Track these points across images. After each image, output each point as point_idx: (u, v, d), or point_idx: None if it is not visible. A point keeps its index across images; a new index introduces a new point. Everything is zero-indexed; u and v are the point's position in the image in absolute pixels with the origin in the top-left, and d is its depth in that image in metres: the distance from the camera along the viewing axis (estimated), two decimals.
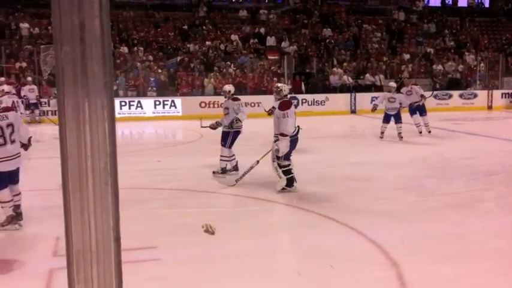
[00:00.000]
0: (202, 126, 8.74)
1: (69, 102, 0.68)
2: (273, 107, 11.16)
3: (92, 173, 0.70)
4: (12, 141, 5.74)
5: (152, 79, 19.42)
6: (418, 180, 8.44)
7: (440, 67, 23.58)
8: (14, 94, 16.03)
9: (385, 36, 25.87)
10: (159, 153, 10.80)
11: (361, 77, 22.18)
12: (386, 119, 12.36)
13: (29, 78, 16.81)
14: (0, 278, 4.55)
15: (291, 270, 4.68)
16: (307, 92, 20.78)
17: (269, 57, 22.75)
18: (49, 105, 16.97)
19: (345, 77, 21.52)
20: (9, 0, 22.40)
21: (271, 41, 23.75)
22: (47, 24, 21.56)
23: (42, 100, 17.00)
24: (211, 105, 18.67)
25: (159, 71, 19.99)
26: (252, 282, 4.34)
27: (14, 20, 21.31)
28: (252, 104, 18.92)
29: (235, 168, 8.56)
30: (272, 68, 21.69)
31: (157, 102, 18.50)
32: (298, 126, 7.24)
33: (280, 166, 7.14)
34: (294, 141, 7.14)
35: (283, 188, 7.21)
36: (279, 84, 7.82)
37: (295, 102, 19.62)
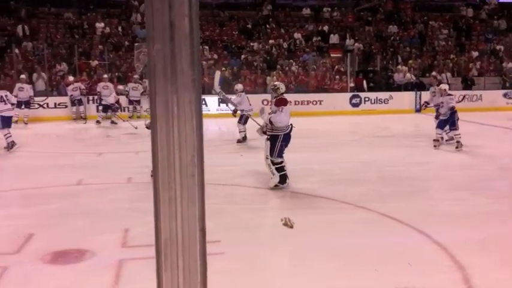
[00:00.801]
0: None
1: (160, 98, 0.72)
2: (236, 110, 12.01)
3: (179, 165, 0.73)
4: None
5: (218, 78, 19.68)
6: (487, 181, 8.09)
7: (510, 65, 22.46)
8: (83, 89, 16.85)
9: (453, 33, 24.96)
10: (222, 150, 10.96)
11: (427, 74, 21.51)
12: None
13: (105, 76, 17.46)
14: (73, 267, 4.79)
15: (351, 268, 4.62)
16: (370, 90, 20.42)
17: (332, 55, 22.53)
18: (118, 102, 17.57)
19: (410, 74, 20.95)
20: (82, 1, 23.46)
21: (334, 38, 23.52)
22: (117, 24, 22.41)
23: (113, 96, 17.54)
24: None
25: (223, 69, 20.25)
26: (315, 279, 4.33)
27: (87, 20, 22.29)
28: (314, 102, 18.84)
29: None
30: (335, 66, 21.47)
31: (221, 100, 18.72)
32: (291, 125, 7.38)
33: (273, 163, 7.22)
34: (286, 138, 7.27)
35: (275, 185, 7.27)
36: (276, 83, 8.01)
37: (357, 100, 19.37)
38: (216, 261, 4.72)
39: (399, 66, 21.33)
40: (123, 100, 17.35)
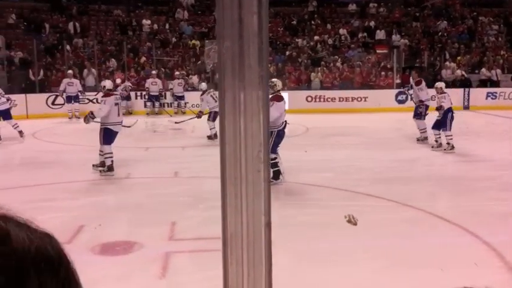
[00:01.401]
0: None
1: (228, 94, 0.73)
2: (200, 111, 12.11)
3: (245, 161, 0.75)
4: None
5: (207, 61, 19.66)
6: None
7: None
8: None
9: (503, 28, 24.06)
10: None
11: (476, 71, 20.86)
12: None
13: (154, 72, 17.84)
14: (121, 258, 4.92)
15: (399, 269, 4.55)
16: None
17: (378, 51, 22.17)
18: (165, 98, 17.92)
19: (458, 71, 20.36)
20: None
21: (380, 34, 23.13)
22: (164, 21, 22.81)
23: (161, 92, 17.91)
24: (318, 100, 18.60)
25: (207, 41, 20.19)
26: (363, 278, 4.29)
27: (135, 17, 22.79)
28: (359, 99, 18.60)
29: None
30: (381, 62, 21.12)
31: None
32: (285, 121, 7.52)
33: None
34: (280, 134, 7.42)
35: (269, 181, 7.17)
36: (273, 80, 8.02)
37: (402, 97, 18.99)
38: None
39: (447, 63, 20.78)
40: (168, 96, 17.70)
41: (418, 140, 11.27)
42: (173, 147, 10.97)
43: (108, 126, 8.23)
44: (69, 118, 16.00)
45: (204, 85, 12.54)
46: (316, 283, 4.23)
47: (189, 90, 18.14)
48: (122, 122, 8.57)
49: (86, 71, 18.38)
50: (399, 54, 20.92)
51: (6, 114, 11.92)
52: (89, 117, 8.32)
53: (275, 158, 7.35)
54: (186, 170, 8.42)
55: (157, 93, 17.41)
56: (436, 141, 10.33)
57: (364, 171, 8.38)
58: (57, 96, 16.65)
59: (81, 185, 7.67)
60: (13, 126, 11.80)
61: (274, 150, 7.34)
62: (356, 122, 14.70)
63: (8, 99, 12.15)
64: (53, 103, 16.27)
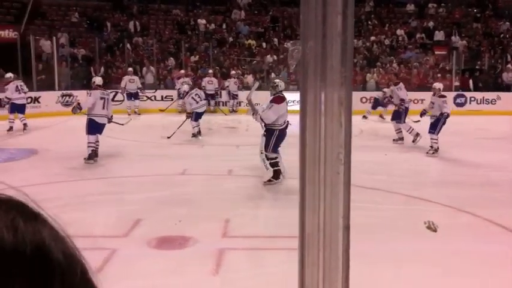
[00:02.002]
0: None
1: (310, 95, 0.73)
2: (188, 113, 12.03)
3: (324, 162, 0.74)
4: None
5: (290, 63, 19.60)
6: None
7: None
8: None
9: None
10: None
11: None
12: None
13: (210, 71, 18.12)
14: (176, 253, 5.02)
15: (453, 276, 4.41)
16: (476, 89, 19.27)
17: (436, 53, 21.53)
18: (221, 97, 18.13)
19: None
20: None
21: (439, 35, 22.44)
22: (221, 21, 23.09)
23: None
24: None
25: (291, 41, 20.06)
26: (411, 282, 4.19)
27: (193, 16, 23.20)
28: (415, 101, 18.13)
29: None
30: (439, 63, 20.50)
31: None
32: (287, 121, 7.48)
33: (268, 158, 7.28)
34: (281, 133, 7.38)
35: (269, 180, 7.31)
36: (276, 80, 8.09)
37: (461, 100, 18.35)
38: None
39: (509, 65, 19.91)
40: (224, 94, 17.90)
41: (394, 140, 11.39)
42: (228, 145, 11.09)
43: (93, 118, 9.06)
44: (128, 115, 16.45)
45: (186, 87, 12.72)
46: (368, 285, 4.17)
47: (243, 89, 18.29)
48: (108, 115, 9.31)
49: (145, 69, 18.87)
50: (458, 56, 20.25)
51: (22, 108, 12.96)
52: (76, 107, 9.16)
53: (276, 158, 7.38)
54: (240, 168, 8.49)
55: (213, 92, 17.63)
56: (432, 146, 10.03)
57: (421, 175, 8.18)
58: (117, 93, 17.18)
59: (139, 180, 7.88)
60: (20, 119, 12.74)
61: (275, 149, 7.40)
62: (413, 124, 14.32)
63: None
64: (112, 99, 16.78)
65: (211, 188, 7.35)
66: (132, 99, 16.66)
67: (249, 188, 7.33)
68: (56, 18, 21.46)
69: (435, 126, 9.89)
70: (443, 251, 4.91)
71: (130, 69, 17.16)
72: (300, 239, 0.75)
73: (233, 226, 5.69)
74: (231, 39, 21.80)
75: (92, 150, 8.92)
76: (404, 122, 11.34)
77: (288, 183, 7.43)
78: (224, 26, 22.84)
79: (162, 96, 17.80)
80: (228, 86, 17.73)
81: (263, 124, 7.45)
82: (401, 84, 12.35)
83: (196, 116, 12.08)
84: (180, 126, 12.03)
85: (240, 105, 17.86)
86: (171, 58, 19.83)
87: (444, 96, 10.14)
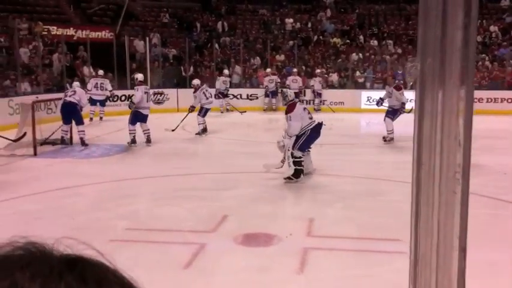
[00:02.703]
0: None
1: (427, 113, 0.71)
2: (192, 106, 12.17)
3: (439, 181, 0.72)
4: None
5: (400, 72, 19.03)
6: None
7: None
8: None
9: None
10: (398, 146, 10.53)
11: None
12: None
13: (294, 70, 18.17)
14: (261, 250, 5.08)
15: None
16: None
17: None
18: (305, 95, 18.10)
19: None
20: None
21: None
22: (307, 19, 23.04)
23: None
24: None
25: (409, 57, 19.44)
26: None
27: (279, 16, 23.34)
28: (509, 100, 17.05)
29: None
30: None
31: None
32: (316, 121, 7.70)
33: (293, 156, 7.40)
34: (312, 133, 7.55)
35: (289, 177, 7.40)
36: (285, 90, 8.58)
37: None
38: (396, 260, 4.58)
39: None
40: (310, 93, 17.84)
41: (385, 140, 11.19)
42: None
43: (139, 110, 10.66)
44: (221, 112, 16.92)
45: (196, 81, 12.70)
46: None
47: (327, 87, 18.13)
48: (149, 107, 10.98)
49: (231, 68, 19.27)
50: None
51: (102, 102, 14.75)
52: (131, 104, 10.86)
53: (300, 157, 7.50)
54: (324, 167, 8.42)
55: (297, 91, 17.62)
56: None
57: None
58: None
59: (227, 176, 8.05)
60: (99, 112, 14.66)
61: (302, 148, 7.52)
62: (504, 124, 13.53)
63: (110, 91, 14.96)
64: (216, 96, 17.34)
65: (295, 186, 7.36)
66: (222, 97, 17.05)
67: (332, 188, 7.27)
68: (148, 20, 22.47)
69: (392, 116, 10.58)
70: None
71: (225, 71, 17.61)
72: (413, 260, 0.74)
73: (317, 225, 5.67)
74: (316, 37, 21.68)
75: (134, 136, 10.61)
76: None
77: (376, 185, 7.28)
78: (310, 24, 22.76)
79: (247, 95, 18.07)
80: (313, 85, 17.64)
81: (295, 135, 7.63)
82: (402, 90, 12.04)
83: (205, 112, 12.19)
84: (183, 119, 12.24)
85: (323, 103, 17.72)
86: (257, 57, 20.07)
87: (400, 88, 10.66)
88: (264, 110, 17.60)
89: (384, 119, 11.29)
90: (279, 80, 17.95)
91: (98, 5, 21.40)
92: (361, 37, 21.71)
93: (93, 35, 18.32)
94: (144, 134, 10.77)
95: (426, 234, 0.73)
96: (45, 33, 17.42)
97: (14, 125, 10.43)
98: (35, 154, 9.45)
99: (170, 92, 17.03)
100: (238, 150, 10.21)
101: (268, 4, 24.17)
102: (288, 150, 7.52)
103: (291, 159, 7.48)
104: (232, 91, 17.52)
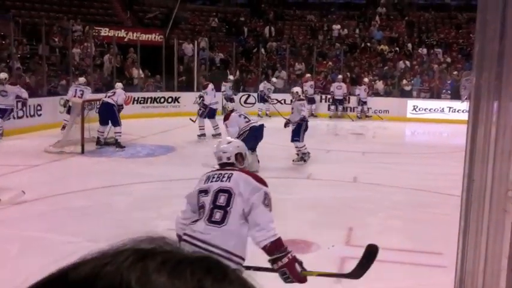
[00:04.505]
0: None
1: (481, 128, 0.70)
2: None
3: (490, 197, 0.71)
4: None
5: (449, 82, 18.55)
6: None
7: None
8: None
9: None
10: (445, 157, 10.24)
11: None
12: None
13: (339, 76, 18.01)
14: (300, 257, 5.03)
15: None
16: None
17: None
18: (349, 102, 17.93)
19: None
20: (325, 4, 24.56)
21: None
22: (355, 26, 22.85)
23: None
24: None
25: (455, 72, 18.93)
26: None
27: (327, 22, 23.24)
28: None
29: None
30: None
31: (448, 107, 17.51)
32: (262, 124, 9.09)
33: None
34: (252, 134, 8.52)
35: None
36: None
37: None
38: (437, 275, 4.47)
39: None
40: (354, 100, 17.65)
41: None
42: (353, 151, 10.93)
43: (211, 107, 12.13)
44: (260, 117, 16.96)
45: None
46: None
47: (372, 95, 17.90)
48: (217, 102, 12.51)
49: (276, 72, 19.30)
50: None
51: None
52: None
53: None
54: (366, 176, 8.31)
55: (341, 97, 17.48)
56: (298, 154, 9.47)
57: None
58: (249, 95, 17.82)
59: (268, 181, 8.04)
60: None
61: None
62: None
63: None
64: (245, 102, 17.44)
65: (335, 194, 7.30)
66: (263, 102, 17.12)
67: (374, 197, 7.15)
68: (198, 23, 22.82)
69: (298, 133, 9.40)
70: None
71: (230, 76, 17.49)
72: (459, 276, 0.72)
73: (357, 235, 5.60)
74: (362, 44, 21.46)
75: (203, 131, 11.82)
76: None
77: (421, 196, 7.13)
78: (357, 31, 22.54)
79: (291, 100, 18.02)
80: (359, 94, 17.39)
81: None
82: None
83: (212, 113, 12.20)
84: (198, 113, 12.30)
85: (368, 111, 17.50)
86: (302, 63, 20.03)
87: (302, 100, 9.93)
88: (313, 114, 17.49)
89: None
90: (312, 84, 17.79)
91: (151, 9, 21.95)
92: (410, 45, 21.32)
93: (144, 37, 18.73)
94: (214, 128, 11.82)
95: (474, 252, 0.72)
96: (96, 34, 17.97)
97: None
98: (83, 152, 9.74)
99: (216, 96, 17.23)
100: (279, 155, 10.21)
101: (317, 10, 24.10)
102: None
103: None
104: (276, 96, 17.53)
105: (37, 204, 6.37)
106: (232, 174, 3.17)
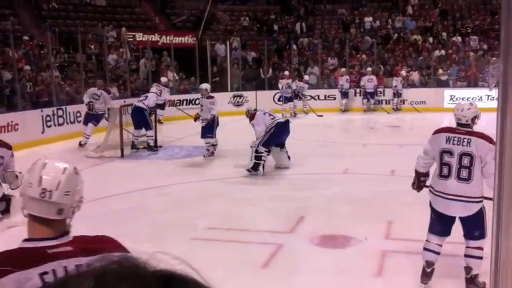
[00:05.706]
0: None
1: (510, 121, 0.70)
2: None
3: None
4: None
5: (487, 70, 18.01)
6: None
7: None
8: None
9: None
10: None
11: None
12: None
13: (369, 69, 17.79)
14: (339, 252, 5.06)
15: None
16: None
17: None
18: (384, 95, 17.68)
19: None
20: None
21: None
22: (387, 17, 22.51)
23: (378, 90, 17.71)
24: None
25: (494, 59, 18.36)
26: None
27: (358, 15, 22.97)
28: None
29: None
30: None
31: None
32: (287, 119, 9.04)
33: (256, 151, 8.13)
34: (277, 130, 8.33)
35: (248, 170, 8.14)
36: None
37: None
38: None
39: None
40: (388, 93, 17.40)
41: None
42: (390, 144, 10.79)
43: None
44: (292, 115, 16.84)
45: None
46: None
47: (408, 86, 17.60)
48: None
49: (309, 68, 19.19)
50: None
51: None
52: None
53: (261, 153, 8.12)
54: (403, 169, 8.14)
55: (372, 90, 17.25)
56: (208, 149, 9.83)
57: None
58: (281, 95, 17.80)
59: (303, 177, 8.08)
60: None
61: (267, 144, 8.18)
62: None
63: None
64: (279, 99, 17.40)
65: (373, 188, 7.23)
66: (286, 101, 16.68)
67: (412, 190, 7.05)
68: (229, 23, 22.95)
69: (211, 130, 9.69)
70: None
71: (286, 72, 17.30)
72: (494, 266, 0.73)
73: (396, 228, 5.56)
74: (395, 35, 21.11)
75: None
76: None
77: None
78: (390, 22, 22.20)
79: (325, 96, 17.92)
80: (395, 86, 17.12)
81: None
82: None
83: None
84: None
85: (404, 103, 17.22)
86: (335, 58, 19.87)
87: (212, 97, 9.68)
88: (342, 111, 17.34)
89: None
90: (348, 78, 17.55)
91: (183, 12, 22.22)
92: (444, 33, 20.85)
93: (177, 40, 18.94)
94: None
95: (508, 241, 0.72)
96: (131, 39, 18.30)
97: (103, 128, 11.04)
98: (122, 156, 9.94)
99: (249, 94, 17.26)
100: (317, 151, 10.19)
101: (348, 3, 23.86)
102: (253, 147, 8.25)
103: (253, 154, 8.24)
104: (309, 92, 17.41)
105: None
106: (470, 140, 3.94)
